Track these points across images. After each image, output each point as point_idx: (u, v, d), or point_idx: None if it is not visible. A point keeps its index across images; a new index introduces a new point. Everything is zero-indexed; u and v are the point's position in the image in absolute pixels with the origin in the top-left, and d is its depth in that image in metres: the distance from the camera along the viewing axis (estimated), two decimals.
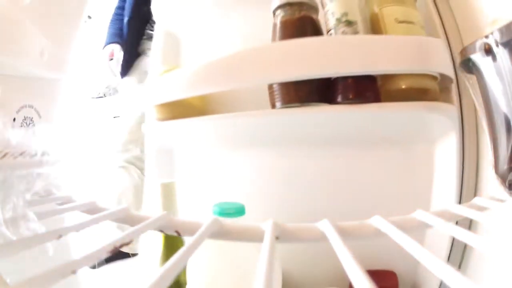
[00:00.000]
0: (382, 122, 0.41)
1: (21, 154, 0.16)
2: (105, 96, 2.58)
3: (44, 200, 0.22)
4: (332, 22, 0.37)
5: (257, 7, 0.41)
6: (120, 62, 1.21)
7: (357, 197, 0.46)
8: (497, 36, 0.20)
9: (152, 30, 1.13)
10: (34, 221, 0.18)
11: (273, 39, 0.40)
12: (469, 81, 0.25)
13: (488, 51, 0.21)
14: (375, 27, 0.38)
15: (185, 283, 0.41)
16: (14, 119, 0.40)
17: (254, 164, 0.51)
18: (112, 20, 1.33)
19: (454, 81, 0.39)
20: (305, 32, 0.38)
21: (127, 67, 1.22)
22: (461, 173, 0.39)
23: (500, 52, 0.20)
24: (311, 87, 0.36)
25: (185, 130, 0.49)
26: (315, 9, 0.40)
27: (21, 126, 0.41)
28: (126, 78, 1.27)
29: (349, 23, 0.37)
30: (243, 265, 0.34)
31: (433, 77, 0.35)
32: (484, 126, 0.24)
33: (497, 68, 0.20)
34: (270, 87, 0.39)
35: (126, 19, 1.22)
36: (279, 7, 0.39)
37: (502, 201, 0.21)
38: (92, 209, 0.21)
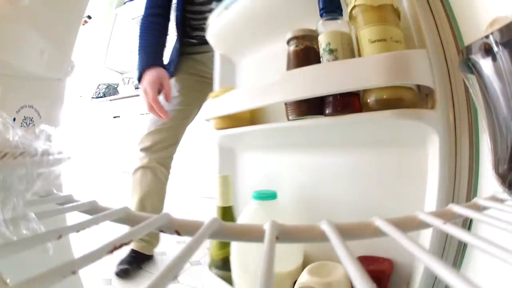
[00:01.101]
0: (370, 128, 0.47)
1: (21, 154, 0.16)
2: (105, 96, 2.59)
3: (44, 200, 0.22)
4: (321, 51, 0.46)
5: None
6: (170, 96, 0.92)
7: (360, 190, 0.53)
8: (497, 36, 0.20)
9: (191, 38, 1.03)
10: (34, 221, 0.18)
11: (287, 65, 0.51)
12: (469, 81, 0.25)
13: (488, 51, 0.21)
14: (358, 47, 0.44)
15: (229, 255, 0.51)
16: (14, 119, 0.40)
17: (283, 160, 0.65)
18: (147, 32, 0.96)
19: (448, 82, 0.41)
20: (308, 59, 0.48)
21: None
22: (454, 174, 0.41)
23: (500, 52, 0.20)
24: (310, 103, 0.46)
25: (238, 136, 0.65)
26: (317, 39, 0.47)
27: (21, 126, 0.41)
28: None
29: (331, 51, 0.44)
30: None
31: (408, 87, 0.39)
32: (484, 126, 0.24)
33: (497, 68, 0.20)
34: (285, 104, 0.50)
35: (176, 25, 0.99)
36: (289, 40, 0.51)
37: (502, 201, 0.21)
38: (92, 209, 0.21)
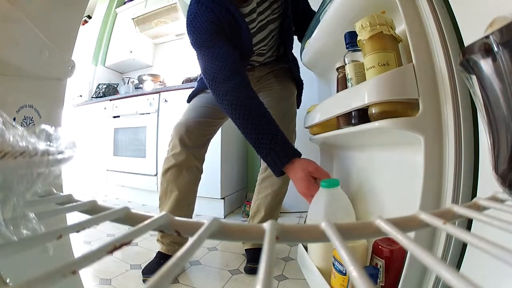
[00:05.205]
0: (378, 134, 0.60)
1: (21, 154, 0.16)
2: (105, 96, 2.58)
3: (44, 200, 0.22)
4: (347, 80, 0.63)
5: None
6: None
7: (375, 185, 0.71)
8: (497, 36, 0.20)
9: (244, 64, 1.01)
10: (34, 221, 0.18)
11: (336, 88, 0.75)
12: (469, 81, 0.25)
13: (488, 51, 0.21)
14: None
15: None
16: (14, 119, 0.40)
17: (347, 157, 0.92)
18: (252, 113, 0.74)
19: (435, 89, 0.47)
20: (345, 85, 0.66)
21: None
22: (440, 170, 0.45)
23: (500, 52, 0.20)
24: (349, 116, 0.64)
25: (322, 139, 0.92)
26: None
27: (21, 126, 0.41)
28: None
29: (349, 80, 0.62)
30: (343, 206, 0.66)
31: (398, 101, 0.48)
32: (484, 126, 0.24)
33: (497, 68, 0.20)
34: (337, 117, 0.72)
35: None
36: (336, 68, 0.75)
37: (502, 201, 0.21)
38: (92, 209, 0.21)
